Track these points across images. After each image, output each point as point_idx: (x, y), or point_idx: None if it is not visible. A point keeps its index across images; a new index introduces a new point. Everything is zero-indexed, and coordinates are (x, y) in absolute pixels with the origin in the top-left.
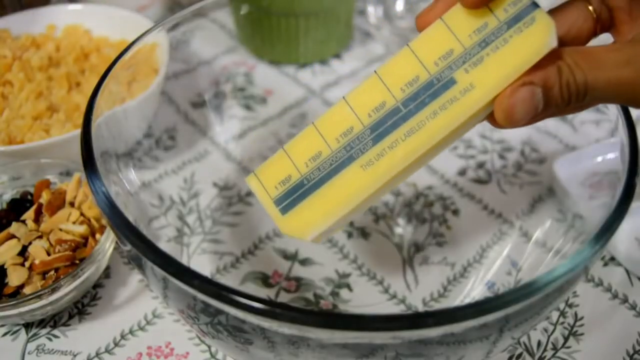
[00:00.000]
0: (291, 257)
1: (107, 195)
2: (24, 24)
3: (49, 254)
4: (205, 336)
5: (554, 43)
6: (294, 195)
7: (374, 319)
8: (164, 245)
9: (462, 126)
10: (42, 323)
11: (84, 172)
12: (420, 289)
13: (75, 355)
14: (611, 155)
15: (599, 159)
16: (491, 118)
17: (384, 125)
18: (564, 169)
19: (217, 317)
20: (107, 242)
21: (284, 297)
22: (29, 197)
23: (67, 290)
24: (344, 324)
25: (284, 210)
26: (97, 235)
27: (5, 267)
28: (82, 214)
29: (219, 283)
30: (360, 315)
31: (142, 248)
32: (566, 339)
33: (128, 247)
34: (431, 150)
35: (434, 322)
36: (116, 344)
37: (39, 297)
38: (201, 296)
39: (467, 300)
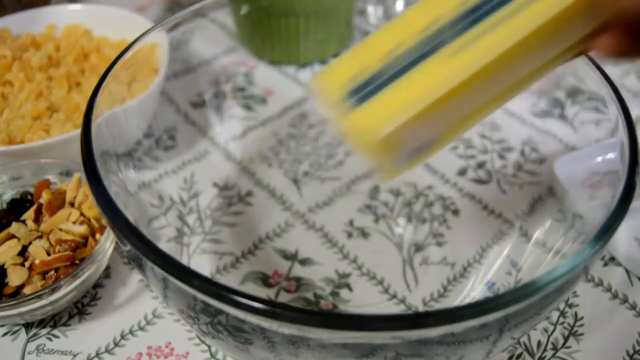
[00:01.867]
0: (291, 257)
1: (107, 195)
2: (24, 23)
3: (49, 254)
4: (205, 336)
5: None
6: (368, 88)
7: (374, 319)
8: (164, 245)
9: (553, 31)
10: (42, 323)
11: (84, 172)
12: (420, 289)
13: (75, 355)
14: (611, 155)
15: (599, 159)
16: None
17: (475, 14)
18: (564, 169)
19: (217, 317)
20: (107, 242)
21: (284, 297)
22: (29, 197)
23: (67, 290)
24: (344, 324)
25: (354, 105)
26: (97, 235)
27: (5, 267)
28: (82, 214)
29: (219, 283)
30: (360, 315)
31: (142, 248)
32: (566, 339)
33: (128, 247)
34: (520, 57)
35: (434, 322)
36: (116, 344)
37: (39, 297)
38: (201, 296)
39: (467, 300)
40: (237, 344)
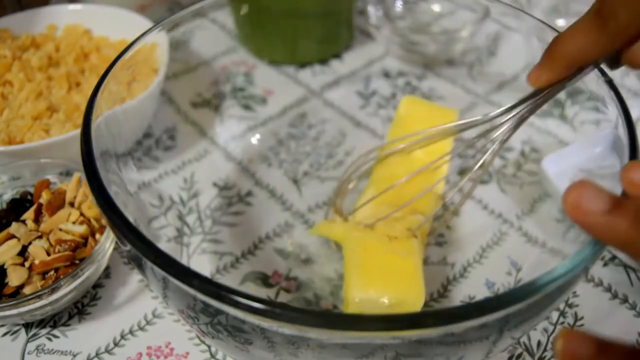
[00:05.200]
0: (291, 257)
1: (107, 195)
2: (24, 23)
3: (48, 254)
4: (205, 336)
5: None
6: None
7: (373, 319)
8: (164, 245)
9: None
10: (42, 323)
11: (84, 172)
12: None
13: (75, 355)
14: (598, 150)
15: (586, 154)
16: None
17: None
18: (553, 166)
19: (217, 317)
20: (107, 242)
21: (283, 297)
22: (29, 197)
23: (67, 290)
24: (344, 324)
25: None
26: (97, 235)
27: (5, 267)
28: (82, 214)
29: (219, 283)
30: (360, 315)
31: (142, 248)
32: None
33: (128, 247)
34: None
35: (434, 322)
36: (116, 344)
37: (39, 297)
38: (201, 296)
39: (467, 300)
40: (237, 344)
